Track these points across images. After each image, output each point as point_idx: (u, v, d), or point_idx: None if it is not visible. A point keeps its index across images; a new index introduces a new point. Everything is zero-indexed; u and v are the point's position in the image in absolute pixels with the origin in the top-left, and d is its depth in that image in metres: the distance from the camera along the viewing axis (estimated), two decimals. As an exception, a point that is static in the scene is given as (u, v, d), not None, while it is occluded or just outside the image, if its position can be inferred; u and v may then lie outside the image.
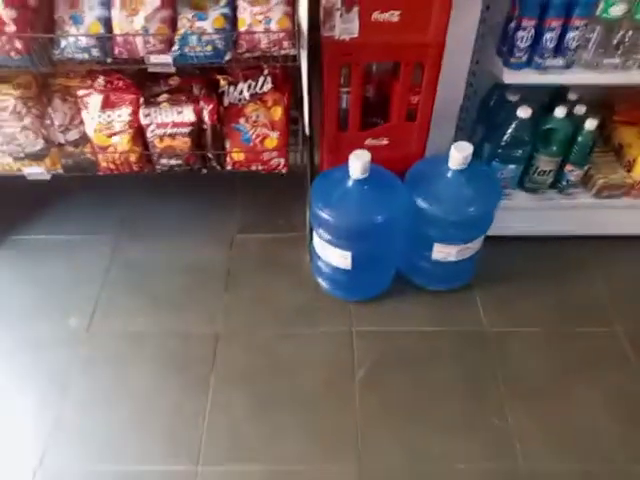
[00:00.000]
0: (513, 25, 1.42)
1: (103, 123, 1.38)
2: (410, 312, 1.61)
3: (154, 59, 1.20)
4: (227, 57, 1.23)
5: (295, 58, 1.25)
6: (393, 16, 1.27)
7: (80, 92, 1.38)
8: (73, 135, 1.48)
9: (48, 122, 1.46)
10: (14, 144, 1.44)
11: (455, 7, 1.27)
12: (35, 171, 1.45)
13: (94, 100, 1.37)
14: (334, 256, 1.49)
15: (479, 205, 1.43)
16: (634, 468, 1.29)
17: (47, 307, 1.62)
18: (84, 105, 1.39)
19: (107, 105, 1.37)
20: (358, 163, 1.34)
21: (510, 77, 1.46)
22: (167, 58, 1.20)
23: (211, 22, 1.22)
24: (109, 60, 1.24)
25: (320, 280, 1.65)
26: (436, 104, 1.48)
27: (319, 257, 1.56)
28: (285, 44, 1.23)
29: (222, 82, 1.40)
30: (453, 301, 1.64)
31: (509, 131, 1.55)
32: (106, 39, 1.21)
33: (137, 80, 1.40)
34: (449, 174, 1.43)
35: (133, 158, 1.41)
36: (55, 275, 1.71)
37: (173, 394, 1.42)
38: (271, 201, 1.92)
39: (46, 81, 1.45)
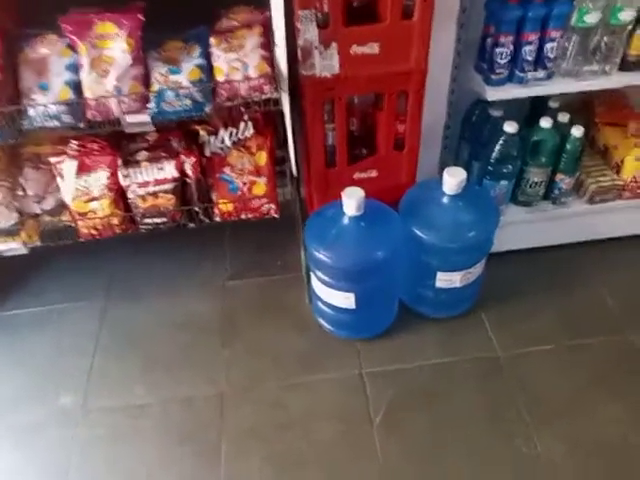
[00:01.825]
0: (490, 42, 1.40)
1: (80, 189, 1.31)
2: (419, 345, 1.56)
3: (130, 119, 1.14)
4: (207, 109, 1.17)
5: (277, 101, 1.20)
6: (372, 48, 1.24)
7: (52, 159, 1.30)
8: (49, 203, 1.40)
9: (21, 193, 1.38)
10: (-16, 221, 1.36)
11: (435, 28, 1.24)
12: (11, 247, 1.36)
13: (68, 166, 1.30)
14: (336, 298, 1.43)
15: (478, 229, 1.40)
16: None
17: (37, 388, 1.51)
18: (58, 172, 1.31)
19: (83, 170, 1.30)
20: (352, 201, 1.29)
21: (493, 94, 1.44)
22: (145, 117, 1.14)
23: (186, 75, 1.17)
24: (82, 125, 1.17)
25: (322, 321, 1.58)
26: (422, 129, 1.45)
27: (320, 299, 1.50)
28: (266, 88, 1.18)
29: (202, 132, 1.34)
30: (461, 327, 1.59)
31: (497, 147, 1.53)
32: (77, 104, 1.15)
33: (112, 140, 1.33)
34: (444, 200, 1.40)
35: (115, 221, 1.34)
36: (41, 351, 1.60)
37: (183, 468, 1.32)
38: (261, 243, 1.85)
39: (14, 150, 1.37)
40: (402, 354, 1.53)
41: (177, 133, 1.37)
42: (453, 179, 1.34)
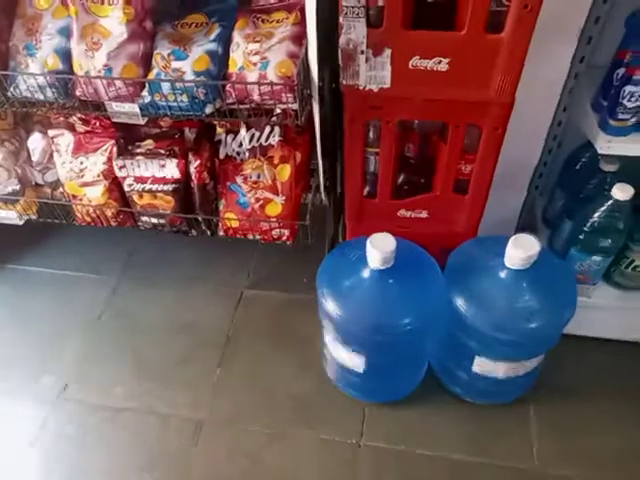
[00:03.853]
0: (621, 75, 1.01)
1: (75, 170, 1.14)
2: (440, 429, 1.26)
3: (117, 107, 0.93)
4: (208, 110, 0.93)
5: (297, 114, 0.92)
6: (440, 64, 0.91)
7: (51, 131, 1.14)
8: (51, 176, 1.26)
9: (24, 159, 1.24)
10: (-15, 183, 1.24)
11: (537, 44, 0.88)
12: (4, 215, 1.24)
13: (65, 142, 1.13)
14: (344, 356, 1.17)
15: (543, 320, 1.05)
16: None
17: (26, 352, 1.44)
18: (55, 147, 1.15)
19: (79, 149, 1.13)
20: (377, 253, 1.00)
21: (606, 146, 1.05)
22: (133, 107, 0.92)
23: (191, 62, 0.92)
24: (69, 103, 0.98)
25: (329, 372, 1.33)
26: (500, 167, 1.10)
27: (327, 348, 1.25)
28: (284, 97, 0.90)
29: (218, 129, 1.11)
30: (499, 420, 1.27)
31: (599, 213, 1.14)
32: (65, 78, 0.95)
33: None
34: (504, 273, 1.06)
35: (109, 213, 1.16)
36: (41, 316, 1.52)
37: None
38: (293, 253, 1.61)
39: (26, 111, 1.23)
40: (415, 435, 1.25)
41: (194, 123, 1.14)
42: (520, 252, 1.00)
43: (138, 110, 0.92)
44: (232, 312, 1.52)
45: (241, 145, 1.09)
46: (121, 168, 1.10)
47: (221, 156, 1.12)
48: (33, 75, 0.92)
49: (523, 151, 1.17)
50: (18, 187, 1.24)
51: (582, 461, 1.20)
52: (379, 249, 1.00)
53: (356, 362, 1.16)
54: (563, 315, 1.07)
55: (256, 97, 0.91)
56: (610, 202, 1.11)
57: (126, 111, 0.93)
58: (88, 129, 1.13)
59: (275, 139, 1.08)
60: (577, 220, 1.20)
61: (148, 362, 1.41)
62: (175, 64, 0.93)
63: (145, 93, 0.93)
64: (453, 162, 1.06)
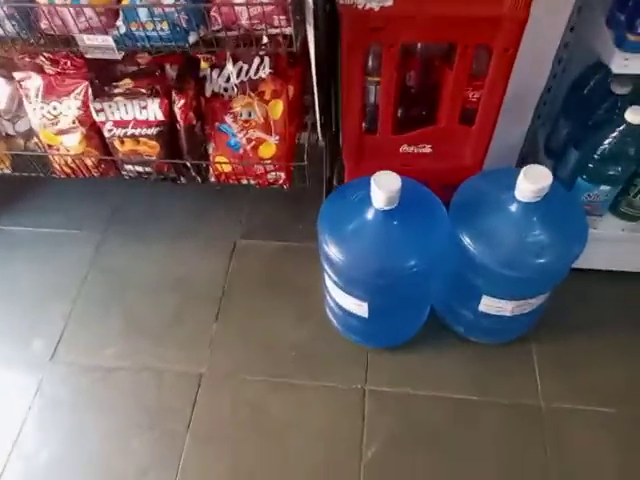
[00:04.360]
0: (639, -16, 0.93)
1: (48, 117, 1.04)
2: (444, 370, 1.24)
3: (89, 41, 0.82)
4: (192, 39, 0.83)
5: (291, 40, 0.83)
6: (448, -24, 0.82)
7: (16, 74, 1.03)
8: (23, 125, 1.15)
9: (-12, 108, 1.13)
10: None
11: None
12: (-25, 170, 1.15)
13: (34, 85, 1.03)
14: (347, 302, 1.13)
15: (554, 255, 1.01)
16: None
17: (11, 318, 1.37)
18: (24, 92, 1.04)
19: (50, 93, 1.02)
20: (382, 193, 0.94)
21: (623, 64, 0.99)
22: (107, 39, 0.82)
23: (170, -16, 0.82)
24: (33, 39, 0.87)
25: (331, 317, 1.30)
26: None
27: (330, 294, 1.20)
28: (276, 20, 0.81)
29: (203, 64, 1.01)
30: (501, 358, 1.25)
31: (610, 139, 1.09)
32: (26, 8, 0.84)
33: (92, 59, 1.02)
34: (514, 207, 1.01)
35: (90, 162, 1.07)
36: (26, 277, 1.45)
37: (138, 455, 1.14)
38: (287, 198, 1.54)
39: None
40: (419, 377, 1.23)
41: (176, 58, 1.04)
42: (532, 184, 0.94)
43: (113, 43, 0.82)
44: (226, 264, 1.46)
45: (228, 80, 1.00)
46: (98, 112, 1.00)
47: (207, 94, 1.03)
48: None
49: (529, 75, 1.10)
50: (-14, 138, 1.13)
51: (587, 395, 1.19)
52: (384, 188, 0.93)
53: (360, 307, 1.12)
54: (574, 249, 1.03)
55: (245, 22, 0.81)
56: (622, 127, 1.06)
57: (99, 45, 0.82)
58: (58, 70, 1.02)
59: (266, 72, 0.99)
60: (585, 148, 1.15)
61: (140, 320, 1.36)
62: (149, -14, 0.82)
63: (120, 23, 0.82)
64: (460, 89, 0.98)
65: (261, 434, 1.17)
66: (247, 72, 1.00)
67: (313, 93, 0.98)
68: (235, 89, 1.00)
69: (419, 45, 1.01)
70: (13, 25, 0.86)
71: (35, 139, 1.16)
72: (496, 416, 1.17)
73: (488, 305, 1.12)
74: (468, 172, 1.12)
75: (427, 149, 1.10)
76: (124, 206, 1.59)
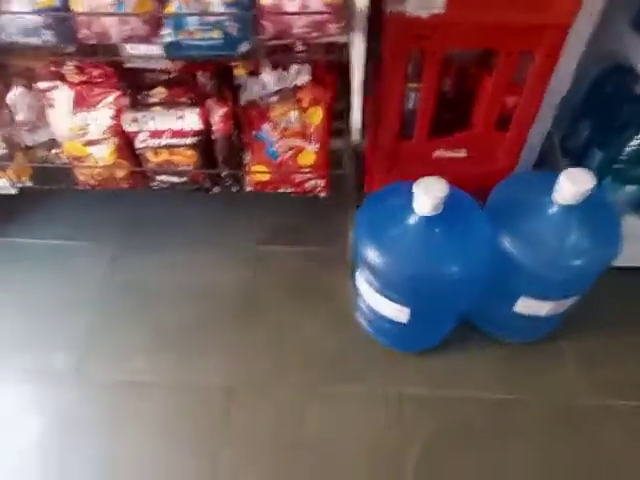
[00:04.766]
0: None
1: (76, 128, 1.00)
2: (476, 371, 1.25)
3: (133, 49, 0.80)
4: (243, 47, 0.81)
5: (342, 48, 0.82)
6: (499, -18, 0.82)
7: (42, 84, 0.99)
8: (43, 135, 1.11)
9: (7, 118, 1.08)
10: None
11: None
12: (-5, 184, 1.10)
13: (62, 96, 0.99)
14: (385, 307, 1.13)
15: (594, 256, 1.02)
16: None
17: (33, 330, 1.32)
18: (48, 102, 1.00)
19: (80, 103, 0.98)
20: (428, 199, 0.93)
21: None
22: (155, 49, 0.80)
23: (218, -9, 0.79)
24: (70, 48, 0.84)
25: (363, 321, 1.29)
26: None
27: (363, 300, 1.20)
28: (331, 28, 0.80)
29: (238, 71, 0.99)
30: (532, 357, 1.27)
31: (636, 141, 1.11)
32: (64, 17, 0.81)
33: (120, 66, 0.99)
34: (553, 209, 1.01)
35: (120, 174, 1.04)
36: (45, 289, 1.39)
37: (172, 476, 1.12)
38: (306, 202, 1.51)
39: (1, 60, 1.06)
40: (451, 379, 1.24)
41: (208, 66, 1.01)
42: (575, 187, 0.95)
43: (162, 52, 0.79)
44: (248, 272, 1.44)
45: (265, 88, 0.98)
46: (132, 122, 0.97)
47: (243, 102, 1.01)
48: (27, 14, 0.77)
49: (555, 78, 1.11)
50: (5, 151, 1.09)
51: (621, 391, 1.21)
52: (431, 194, 0.93)
53: (401, 313, 1.11)
54: (612, 250, 1.04)
55: (297, 30, 0.80)
56: (650, 129, 1.08)
57: (143, 54, 0.80)
58: (83, 79, 0.98)
59: (305, 79, 0.97)
60: (610, 150, 1.17)
61: (164, 332, 1.32)
62: (197, -6, 0.79)
63: (168, 31, 0.79)
64: (499, 95, 0.99)
65: (300, 447, 1.15)
66: (286, 79, 0.98)
67: (351, 99, 0.97)
68: (273, 97, 0.98)
69: (456, 52, 1.01)
70: (50, 35, 0.82)
71: (56, 150, 1.11)
72: (530, 413, 1.18)
73: (525, 306, 1.13)
74: (500, 175, 1.12)
75: (462, 153, 1.10)
76: (140, 215, 1.55)
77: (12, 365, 1.26)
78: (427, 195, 0.93)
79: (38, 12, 0.79)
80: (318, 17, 0.78)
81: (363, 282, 1.14)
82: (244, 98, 1.00)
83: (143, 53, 0.80)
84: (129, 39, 0.80)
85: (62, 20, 0.81)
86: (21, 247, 1.49)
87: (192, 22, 0.79)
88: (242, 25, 0.79)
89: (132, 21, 0.79)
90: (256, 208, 1.55)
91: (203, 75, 1.01)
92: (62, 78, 1.01)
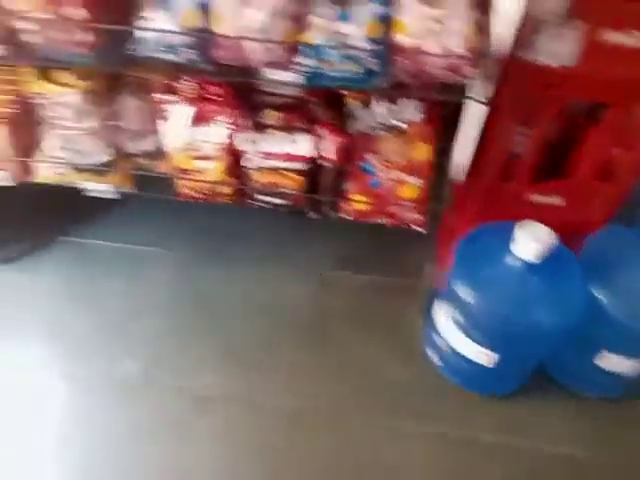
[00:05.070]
0: None
1: (191, 143, 1.03)
2: (550, 423, 1.21)
3: (273, 75, 0.82)
4: (379, 82, 0.83)
5: (461, 89, 0.84)
6: (631, 38, 0.83)
7: (158, 96, 1.02)
8: (148, 144, 1.14)
9: (117, 127, 1.12)
10: (73, 151, 1.11)
11: None
12: (98, 188, 1.13)
13: (181, 112, 1.01)
14: (470, 349, 1.12)
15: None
16: None
17: (101, 336, 1.32)
18: (162, 114, 1.03)
19: (199, 120, 1.01)
20: (535, 245, 0.94)
21: None
22: (295, 77, 0.82)
23: (360, 26, 0.82)
24: (206, 67, 0.87)
25: (435, 358, 1.28)
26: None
27: (441, 336, 1.19)
28: (467, 71, 0.81)
29: (352, 101, 1.01)
30: (612, 414, 1.23)
31: None
32: (204, 37, 0.84)
33: (239, 88, 1.02)
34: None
35: (225, 190, 1.06)
36: (112, 294, 1.41)
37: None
38: (373, 232, 1.52)
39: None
40: (524, 428, 1.21)
41: (319, 93, 1.04)
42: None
43: (301, 80, 0.81)
44: (314, 294, 1.44)
45: (376, 119, 1.00)
46: (247, 142, 0.99)
47: (351, 131, 1.03)
48: (175, 33, 0.80)
49: None
50: (112, 157, 1.12)
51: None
52: (539, 241, 0.93)
53: (483, 356, 1.10)
54: None
55: (433, 70, 0.81)
56: None
57: (283, 80, 0.82)
58: (200, 95, 1.01)
59: (416, 116, 0.99)
60: None
61: (232, 345, 1.32)
62: (339, 26, 0.82)
63: (308, 61, 0.82)
64: (604, 146, 0.99)
65: (362, 477, 1.13)
66: (396, 113, 1.00)
67: (457, 137, 0.99)
68: (382, 129, 1.00)
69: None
70: (189, 53, 0.85)
71: (158, 160, 1.14)
72: (605, 475, 1.15)
73: (607, 361, 1.11)
74: (595, 226, 1.12)
75: (558, 201, 1.10)
76: (208, 225, 1.56)
77: (81, 371, 1.27)
78: (536, 241, 0.93)
79: (185, 33, 0.82)
80: (456, 60, 0.80)
81: (447, 319, 1.14)
82: (353, 127, 1.02)
83: (281, 79, 0.82)
84: (269, 65, 0.83)
85: (205, 40, 0.84)
86: (86, 248, 1.51)
87: (332, 53, 0.81)
88: (381, 61, 0.81)
89: (275, 48, 0.82)
90: (324, 233, 1.56)
91: (315, 101, 1.04)
92: (176, 91, 1.04)
